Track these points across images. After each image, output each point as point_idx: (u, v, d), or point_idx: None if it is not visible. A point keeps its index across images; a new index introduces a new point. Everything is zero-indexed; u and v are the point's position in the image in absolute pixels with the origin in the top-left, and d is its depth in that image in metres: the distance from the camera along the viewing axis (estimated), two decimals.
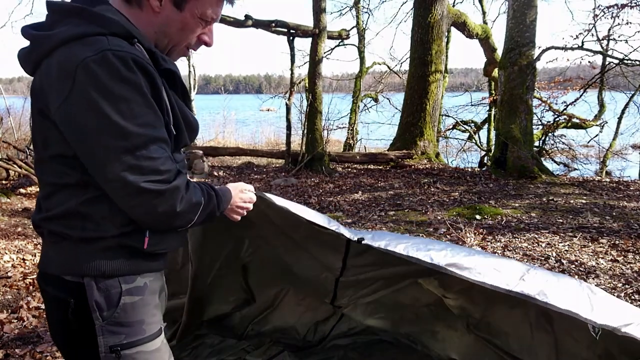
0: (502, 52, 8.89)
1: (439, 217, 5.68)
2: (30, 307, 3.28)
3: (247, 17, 9.18)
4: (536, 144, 10.60)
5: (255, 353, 2.42)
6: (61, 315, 1.14)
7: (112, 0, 1.14)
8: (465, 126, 13.82)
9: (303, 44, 43.75)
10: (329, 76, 17.81)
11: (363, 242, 1.65)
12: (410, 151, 10.07)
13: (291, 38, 9.62)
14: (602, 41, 11.36)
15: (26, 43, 1.13)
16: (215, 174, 9.12)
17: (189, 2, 1.15)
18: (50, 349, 2.72)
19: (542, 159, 10.22)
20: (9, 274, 3.88)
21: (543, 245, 4.54)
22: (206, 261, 2.24)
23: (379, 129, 15.24)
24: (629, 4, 10.27)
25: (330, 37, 10.24)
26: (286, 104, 9.82)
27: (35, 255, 4.40)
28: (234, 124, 18.93)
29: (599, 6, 13.40)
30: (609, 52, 11.16)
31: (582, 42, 10.48)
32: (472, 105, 14.26)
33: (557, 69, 13.22)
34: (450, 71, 17.13)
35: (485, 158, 11.50)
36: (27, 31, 1.11)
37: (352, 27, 14.37)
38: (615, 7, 10.49)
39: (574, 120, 12.04)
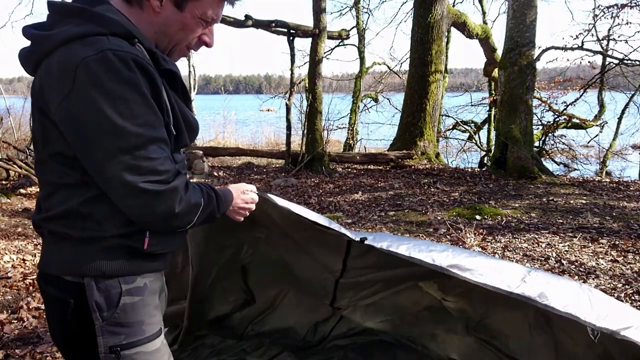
0: (502, 52, 8.89)
1: (439, 218, 5.67)
2: (30, 307, 3.28)
3: (247, 17, 9.18)
4: (536, 144, 10.60)
5: (255, 353, 2.42)
6: (61, 316, 1.14)
7: (112, 1, 1.14)
8: (465, 126, 13.82)
9: (303, 44, 43.80)
10: (329, 76, 17.83)
11: (365, 242, 1.64)
12: (410, 151, 10.07)
13: (291, 38, 9.62)
14: (602, 41, 11.37)
15: (27, 43, 1.14)
16: (215, 174, 9.12)
17: (190, 2, 1.15)
18: (50, 350, 2.72)
19: (542, 159, 10.22)
20: (9, 275, 3.87)
21: (543, 245, 4.54)
22: (207, 264, 2.24)
23: (379, 129, 15.24)
24: (629, 4, 10.27)
25: (330, 37, 10.24)
26: (286, 104, 9.82)
27: (35, 256, 4.40)
28: (234, 124, 18.93)
29: (599, 6, 13.41)
30: (609, 52, 11.17)
31: (582, 42, 10.49)
32: (472, 105, 14.26)
33: (557, 69, 13.23)
34: (450, 71, 17.14)
35: (485, 158, 11.51)
36: (28, 31, 1.12)
37: (352, 27, 14.38)
38: (615, 7, 10.50)
39: (574, 120, 12.04)
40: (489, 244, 4.65)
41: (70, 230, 1.10)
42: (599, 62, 11.76)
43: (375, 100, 16.23)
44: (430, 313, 2.28)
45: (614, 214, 5.61)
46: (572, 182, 7.89)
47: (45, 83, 1.06)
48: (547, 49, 9.32)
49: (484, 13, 14.71)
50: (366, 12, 18.26)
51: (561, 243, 4.58)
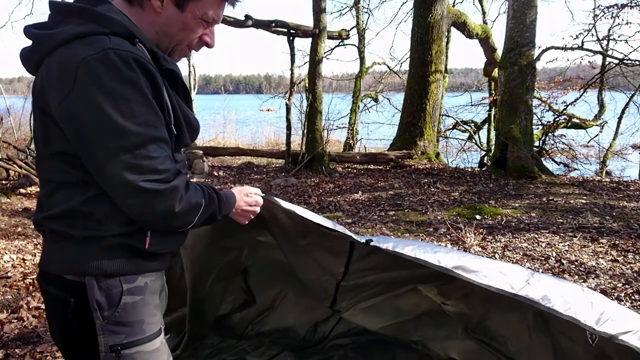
0: (502, 52, 8.89)
1: (439, 217, 5.68)
2: (30, 307, 3.28)
3: (247, 17, 9.18)
4: (536, 144, 10.61)
5: (255, 353, 2.42)
6: (61, 315, 1.14)
7: (114, 1, 1.14)
8: (465, 126, 13.82)
9: (303, 44, 43.82)
10: (329, 76, 17.84)
11: (371, 244, 1.65)
12: (410, 151, 10.07)
13: (291, 38, 9.62)
14: (602, 41, 11.38)
15: (27, 43, 1.14)
16: (215, 174, 9.12)
17: (191, 2, 1.15)
18: (50, 349, 2.72)
19: (542, 159, 10.22)
20: (9, 274, 3.88)
21: (543, 245, 4.55)
22: (207, 266, 2.24)
23: (379, 129, 15.25)
24: (629, 4, 10.28)
25: (330, 37, 10.24)
26: (286, 104, 9.82)
27: (35, 255, 4.40)
28: (234, 124, 18.94)
29: (599, 6, 13.40)
30: (609, 52, 11.17)
31: (582, 42, 10.50)
32: (472, 105, 14.27)
33: (557, 69, 13.24)
34: (450, 71, 17.15)
35: (485, 158, 11.50)
36: (29, 30, 1.12)
37: (352, 27, 14.38)
38: (615, 7, 10.51)
39: (574, 120, 12.05)
40: (489, 243, 4.65)
41: (71, 230, 1.11)
42: (599, 62, 11.78)
43: (375, 100, 16.24)
44: (430, 318, 2.29)
45: (614, 213, 5.61)
46: (572, 182, 7.89)
47: (46, 82, 1.06)
48: (547, 49, 9.33)
49: (484, 13, 14.72)
50: (366, 12, 18.29)
51: (561, 243, 4.58)
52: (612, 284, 3.61)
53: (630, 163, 12.72)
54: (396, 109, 14.34)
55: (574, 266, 4.00)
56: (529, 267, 4.03)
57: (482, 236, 4.85)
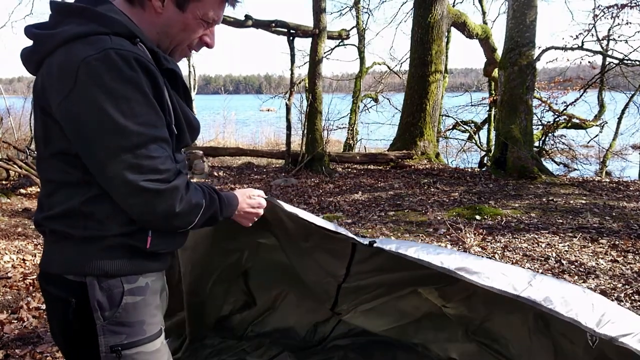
0: (502, 52, 8.89)
1: (439, 218, 5.68)
2: (30, 307, 3.28)
3: (247, 17, 9.18)
4: (536, 144, 10.61)
5: (255, 353, 2.42)
6: (62, 315, 1.14)
7: (114, 1, 1.14)
8: (465, 126, 13.82)
9: (303, 44, 43.84)
10: (329, 76, 17.84)
11: (374, 245, 1.65)
12: (410, 151, 10.07)
13: (291, 38, 9.62)
14: (602, 41, 11.38)
15: (27, 43, 1.14)
16: (215, 174, 9.12)
17: (191, 3, 1.16)
18: (50, 350, 2.72)
19: (542, 159, 10.22)
20: (9, 275, 3.88)
21: (543, 245, 4.55)
22: (208, 268, 2.24)
23: (379, 129, 15.25)
24: (629, 4, 10.28)
25: (330, 37, 10.24)
26: (286, 104, 9.82)
27: (35, 256, 4.40)
28: (234, 124, 18.94)
29: (599, 6, 13.42)
30: (609, 52, 11.18)
31: (582, 42, 10.50)
32: (472, 105, 14.27)
33: (557, 69, 13.24)
34: (450, 71, 17.15)
35: (485, 158, 11.51)
36: (29, 30, 1.12)
37: (352, 27, 14.39)
38: (615, 7, 10.51)
39: (574, 120, 12.05)
40: (488, 244, 4.65)
41: (71, 230, 1.11)
42: (599, 62, 11.78)
43: (375, 100, 16.24)
44: (430, 320, 2.29)
45: (614, 214, 5.61)
46: (572, 182, 7.89)
47: (47, 82, 1.06)
48: (547, 49, 9.33)
49: (484, 13, 14.72)
50: (366, 12, 18.27)
51: (561, 243, 4.58)
52: (612, 285, 3.61)
53: (630, 163, 12.72)
54: (396, 109, 14.34)
55: (573, 266, 4.00)
56: (528, 268, 4.03)
57: (482, 236, 4.85)
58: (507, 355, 2.07)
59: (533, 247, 4.50)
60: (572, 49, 9.84)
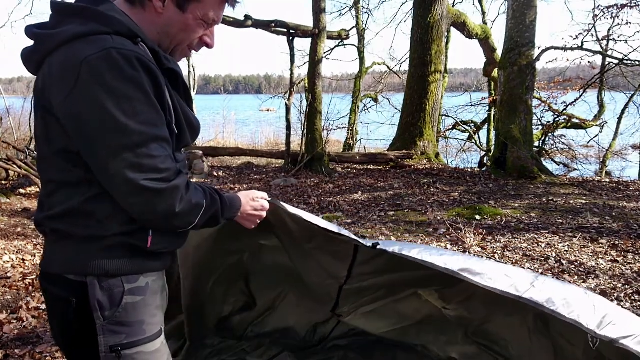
0: (502, 52, 8.89)
1: (439, 218, 5.68)
2: (30, 307, 3.27)
3: (247, 17, 9.18)
4: (536, 144, 10.61)
5: (255, 353, 2.42)
6: (63, 315, 1.14)
7: (115, 1, 1.15)
8: (465, 126, 13.83)
9: (303, 44, 43.86)
10: (329, 76, 17.85)
11: (378, 247, 1.65)
12: (410, 151, 10.07)
13: (291, 38, 9.62)
14: (601, 41, 11.39)
15: (27, 43, 1.14)
16: (215, 174, 9.12)
17: (192, 3, 1.16)
18: (50, 349, 2.72)
19: (542, 159, 10.22)
20: (9, 275, 3.87)
21: (543, 245, 4.54)
22: (209, 269, 2.24)
23: (378, 129, 15.26)
24: (629, 4, 10.28)
25: (330, 37, 10.24)
26: (286, 104, 9.82)
27: (34, 256, 4.40)
28: (234, 124, 18.94)
29: (598, 6, 13.43)
30: (609, 52, 11.18)
31: (582, 42, 10.50)
32: (472, 105, 14.28)
33: (557, 69, 13.25)
34: (450, 71, 17.16)
35: (485, 158, 11.51)
36: (30, 30, 1.12)
37: (352, 27, 14.40)
38: (615, 7, 10.51)
39: (574, 120, 12.06)
40: (488, 244, 4.65)
41: (72, 229, 1.11)
42: (599, 62, 11.79)
43: (375, 100, 16.25)
44: (430, 323, 2.29)
45: (614, 214, 5.61)
46: (572, 182, 7.89)
47: (48, 81, 1.07)
48: (547, 49, 9.33)
49: (483, 13, 14.73)
50: (366, 12, 18.25)
51: (561, 243, 4.58)
52: (611, 285, 3.61)
53: (630, 163, 12.72)
54: (396, 109, 14.34)
55: (573, 266, 3.99)
56: (528, 268, 4.03)
57: (481, 236, 4.85)
58: (507, 356, 2.08)
59: (533, 247, 4.50)
60: (571, 49, 9.84)
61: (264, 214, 1.46)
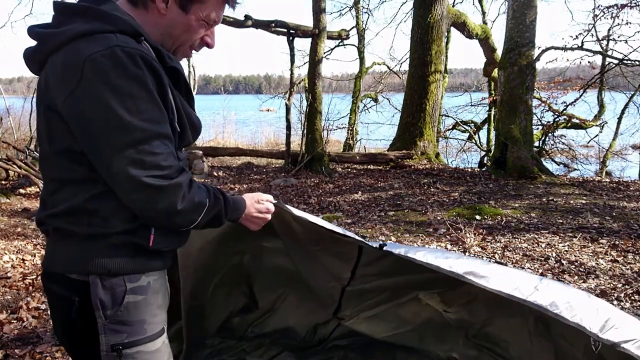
0: (502, 53, 8.89)
1: (439, 218, 5.67)
2: (30, 307, 3.27)
3: (247, 17, 9.18)
4: (536, 144, 10.61)
5: (255, 353, 2.42)
6: (65, 314, 1.14)
7: (118, 2, 1.15)
8: (465, 126, 13.83)
9: (303, 44, 43.89)
10: (329, 76, 17.84)
11: (384, 248, 1.65)
12: (410, 151, 10.07)
13: (291, 38, 9.62)
14: (601, 41, 11.38)
15: (28, 42, 1.15)
16: (215, 174, 9.12)
17: (194, 4, 1.17)
18: (50, 349, 2.72)
19: (542, 159, 10.22)
20: (9, 275, 3.87)
21: (543, 245, 4.54)
22: (210, 270, 2.24)
23: (378, 129, 15.26)
24: (629, 4, 10.28)
25: (330, 37, 10.23)
26: (286, 104, 9.82)
27: (34, 256, 4.40)
28: (234, 124, 18.94)
29: (598, 6, 13.43)
30: (609, 52, 11.18)
31: (582, 42, 10.50)
32: (472, 105, 14.27)
33: (557, 69, 13.25)
34: (450, 71, 17.15)
35: (485, 158, 11.51)
36: (33, 30, 1.13)
37: (352, 27, 14.39)
38: (615, 8, 10.51)
39: (574, 120, 12.05)
40: (488, 244, 4.65)
41: (76, 227, 1.11)
42: (599, 62, 11.78)
43: (375, 100, 16.24)
44: (431, 327, 2.29)
45: (614, 214, 5.61)
46: (572, 182, 7.89)
47: (52, 79, 1.07)
48: (547, 49, 9.33)
49: (483, 13, 14.73)
50: (366, 12, 18.23)
51: (561, 243, 4.58)
52: (612, 285, 3.61)
53: (630, 163, 12.72)
54: (396, 109, 14.34)
55: (573, 266, 3.99)
56: (528, 268, 4.03)
57: (482, 236, 4.85)
58: (507, 358, 2.08)
59: (533, 247, 4.50)
60: (571, 49, 9.84)
61: (269, 216, 1.46)
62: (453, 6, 13.17)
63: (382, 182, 8.21)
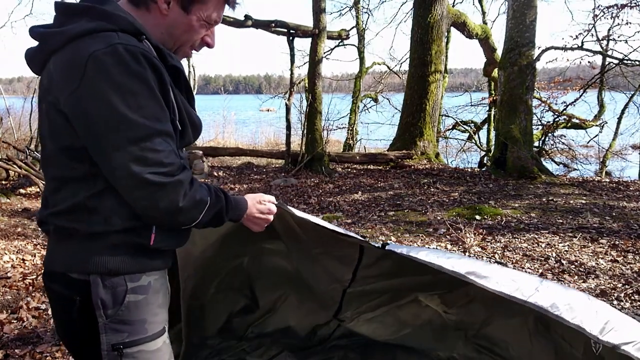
0: (502, 52, 8.89)
1: (439, 218, 5.68)
2: (30, 307, 3.28)
3: (247, 17, 9.18)
4: (536, 144, 10.61)
5: (255, 353, 2.42)
6: (67, 314, 1.15)
7: (119, 2, 1.16)
8: (465, 126, 13.83)
9: (303, 44, 43.87)
10: (329, 76, 17.85)
11: (386, 247, 1.65)
12: (410, 151, 10.07)
13: (291, 38, 9.62)
14: (601, 41, 11.38)
15: (28, 42, 1.15)
16: (215, 174, 9.12)
17: (196, 5, 1.18)
18: (50, 349, 2.72)
19: (542, 159, 10.22)
20: (9, 275, 3.87)
21: (543, 245, 4.55)
22: (211, 272, 2.24)
23: (378, 129, 15.26)
24: (629, 4, 10.28)
25: (330, 37, 10.23)
26: (286, 104, 9.81)
27: (34, 256, 4.40)
28: (234, 124, 18.94)
29: (598, 6, 13.43)
30: (609, 52, 11.18)
31: (582, 42, 10.50)
32: (472, 105, 14.28)
33: (557, 69, 13.25)
34: (450, 71, 17.16)
35: (485, 158, 11.51)
36: (35, 30, 1.14)
37: (352, 27, 14.38)
38: (615, 7, 10.51)
39: (574, 120, 12.05)
40: (488, 244, 4.65)
41: (76, 225, 1.11)
42: (599, 62, 11.79)
43: (375, 100, 16.24)
44: (431, 330, 2.29)
45: (614, 214, 5.61)
46: (572, 182, 7.89)
47: (54, 77, 1.08)
48: (547, 49, 9.33)
49: (483, 13, 14.73)
50: (366, 12, 18.23)
51: (561, 243, 4.58)
52: (612, 284, 3.61)
53: (630, 163, 12.72)
54: (396, 109, 14.34)
55: (573, 266, 4.00)
56: (528, 268, 4.03)
57: (481, 236, 4.85)
58: (507, 358, 2.08)
59: (533, 247, 4.50)
60: (572, 49, 9.84)
61: (271, 217, 1.45)
62: (453, 6, 13.17)
63: (382, 182, 8.21)
